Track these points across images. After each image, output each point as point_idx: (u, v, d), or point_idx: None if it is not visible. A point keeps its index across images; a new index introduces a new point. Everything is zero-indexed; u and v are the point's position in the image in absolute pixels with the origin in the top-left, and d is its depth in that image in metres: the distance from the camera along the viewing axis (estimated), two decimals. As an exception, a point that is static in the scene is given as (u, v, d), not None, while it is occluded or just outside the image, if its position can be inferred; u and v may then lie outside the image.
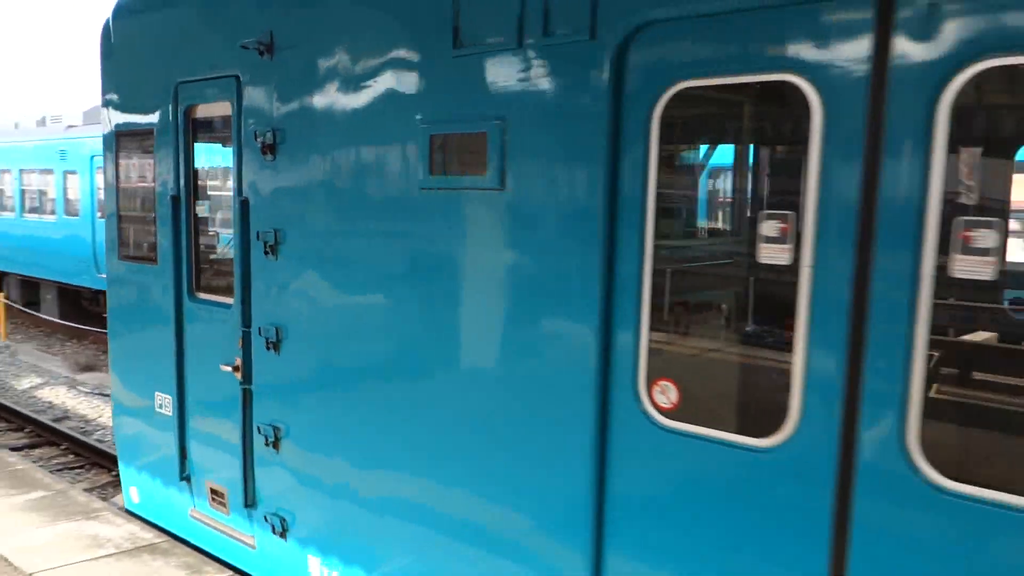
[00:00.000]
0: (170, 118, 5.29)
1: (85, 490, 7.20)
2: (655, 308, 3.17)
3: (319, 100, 4.30)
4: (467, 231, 3.73)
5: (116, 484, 7.68)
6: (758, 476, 2.88)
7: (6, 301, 16.83)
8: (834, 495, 2.67)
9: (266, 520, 4.86)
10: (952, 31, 2.42)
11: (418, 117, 3.82)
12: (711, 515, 3.01)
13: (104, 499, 7.06)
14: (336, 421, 4.43)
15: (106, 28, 5.84)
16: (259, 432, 4.81)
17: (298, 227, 4.50)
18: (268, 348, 4.71)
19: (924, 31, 2.46)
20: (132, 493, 6.10)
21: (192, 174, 5.30)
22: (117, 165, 5.92)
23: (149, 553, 5.33)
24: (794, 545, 2.79)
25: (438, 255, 3.83)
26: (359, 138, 4.15)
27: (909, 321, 2.53)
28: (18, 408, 10.68)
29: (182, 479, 5.48)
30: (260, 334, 4.74)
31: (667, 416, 3.13)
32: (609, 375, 3.27)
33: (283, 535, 4.79)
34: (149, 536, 5.58)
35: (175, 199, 5.32)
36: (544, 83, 3.41)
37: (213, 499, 5.29)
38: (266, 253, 4.66)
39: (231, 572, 5.15)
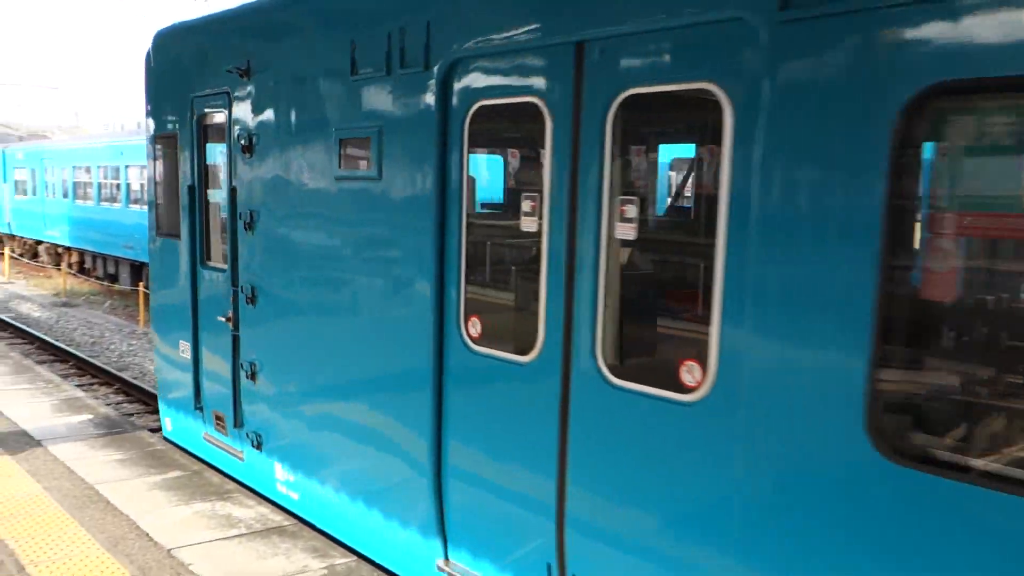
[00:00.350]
0: (188, 124, 6.75)
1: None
2: (468, 268, 4.53)
3: (277, 111, 5.72)
4: (362, 210, 5.08)
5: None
6: (522, 381, 4.24)
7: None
8: (561, 389, 4.03)
9: (247, 437, 6.31)
10: (614, 70, 3.73)
11: (333, 127, 5.20)
12: (499, 408, 4.41)
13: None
14: (288, 357, 5.87)
15: (148, 55, 7.35)
16: (242, 368, 6.24)
17: (265, 208, 5.89)
18: (247, 302, 6.13)
19: (598, 70, 3.82)
20: (167, 423, 7.63)
21: (204, 169, 6.72)
22: (154, 163, 7.53)
23: (278, 535, 5.45)
24: (544, 427, 4.12)
25: (346, 228, 5.24)
26: (301, 141, 5.51)
27: (595, 272, 3.83)
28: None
29: (196, 408, 6.99)
30: (242, 291, 6.17)
31: (475, 343, 4.47)
32: (443, 314, 4.62)
33: (259, 448, 6.20)
34: (278, 519, 5.71)
35: (191, 188, 6.75)
36: (402, 101, 4.72)
37: (217, 423, 6.77)
38: (246, 229, 6.06)
39: (355, 557, 5.20)
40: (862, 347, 2.93)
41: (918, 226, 3.11)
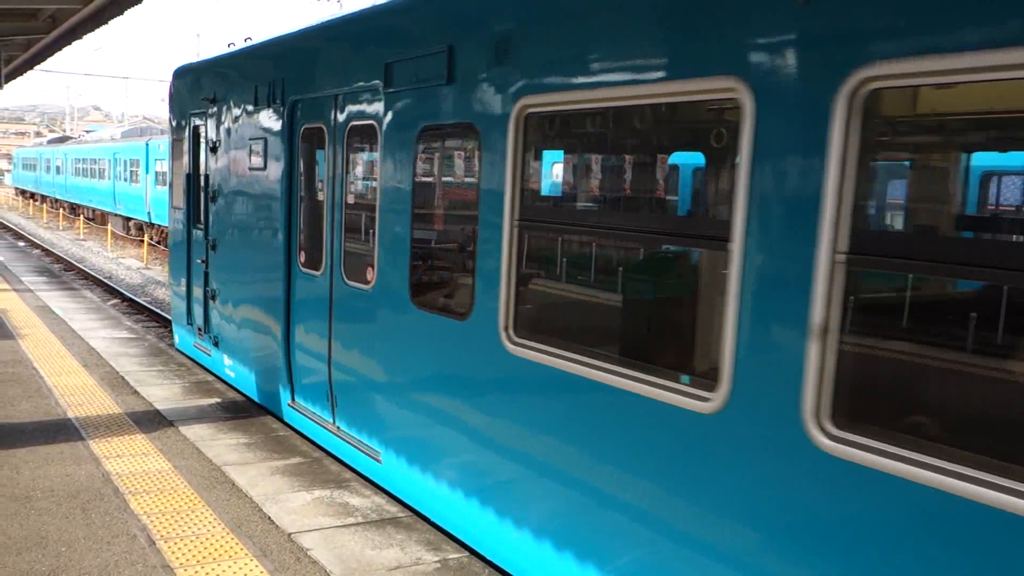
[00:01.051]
0: (186, 132, 10.05)
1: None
2: (300, 228, 7.33)
3: (226, 126, 8.81)
4: (259, 188, 7.98)
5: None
6: (317, 287, 6.96)
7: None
8: (329, 292, 6.73)
9: (211, 339, 9.42)
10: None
11: (248, 136, 8.12)
12: (312, 303, 7.08)
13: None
14: (229, 283, 8.96)
15: (171, 84, 10.64)
16: (209, 293, 9.33)
17: (221, 188, 8.97)
18: (211, 249, 9.22)
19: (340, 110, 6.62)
20: (176, 339, 10.94)
21: (197, 161, 9.79)
22: (172, 158, 10.96)
23: (393, 526, 5.50)
24: (320, 311, 6.87)
25: (254, 200, 8.16)
26: (237, 145, 8.48)
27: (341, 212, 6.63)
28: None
29: (188, 324, 10.23)
30: (209, 242, 9.24)
31: (302, 266, 7.24)
32: (291, 250, 7.44)
33: (217, 346, 9.32)
34: (394, 510, 5.77)
35: (188, 176, 9.94)
36: (275, 122, 7.60)
37: (198, 332, 9.86)
38: (211, 201, 9.22)
39: (468, 552, 5.18)
40: None
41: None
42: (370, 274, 6.18)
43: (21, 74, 20.84)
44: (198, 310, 9.81)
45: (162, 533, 5.23)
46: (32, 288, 15.25)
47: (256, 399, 8.36)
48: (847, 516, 3.10)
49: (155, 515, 5.49)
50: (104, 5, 12.14)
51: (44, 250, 25.97)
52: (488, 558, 5.05)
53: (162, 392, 8.57)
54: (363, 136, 6.56)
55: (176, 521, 5.42)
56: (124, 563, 4.83)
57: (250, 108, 8.13)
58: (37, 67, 19.87)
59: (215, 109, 9.02)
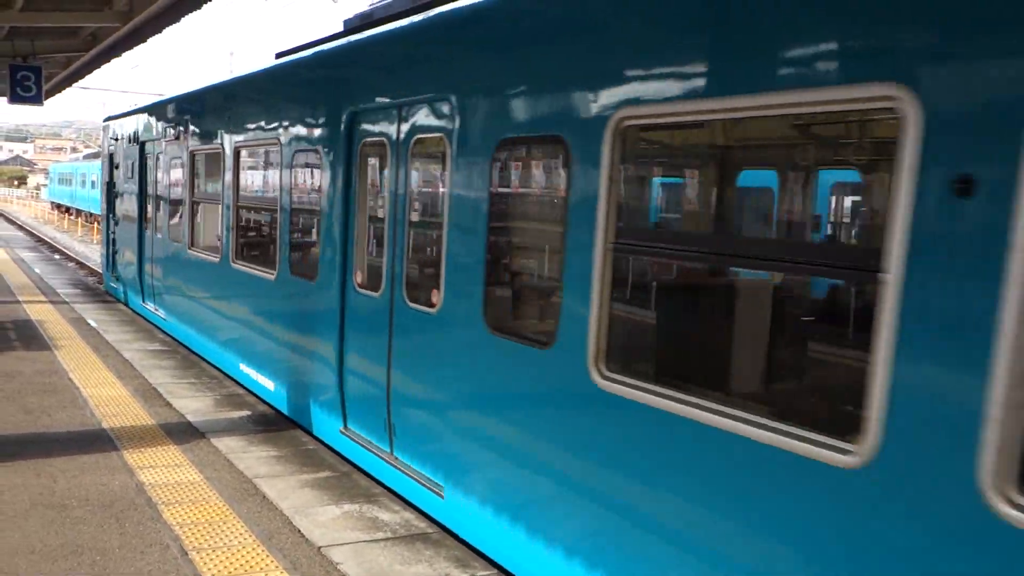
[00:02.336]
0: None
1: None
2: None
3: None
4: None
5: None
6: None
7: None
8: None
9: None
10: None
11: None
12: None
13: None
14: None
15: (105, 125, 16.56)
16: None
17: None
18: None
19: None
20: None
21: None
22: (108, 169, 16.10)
23: (422, 542, 5.51)
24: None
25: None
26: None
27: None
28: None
29: (110, 282, 15.76)
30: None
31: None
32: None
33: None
34: (422, 525, 5.78)
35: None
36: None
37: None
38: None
39: (496, 569, 5.18)
40: None
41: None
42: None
43: (60, 91, 21.30)
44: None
45: (194, 544, 5.28)
46: (68, 300, 15.51)
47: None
48: None
49: (187, 526, 5.55)
50: (142, 23, 12.41)
51: (79, 263, 26.40)
52: None
53: (194, 404, 8.66)
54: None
55: (208, 532, 5.47)
56: (157, 573, 4.88)
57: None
58: (76, 84, 20.31)
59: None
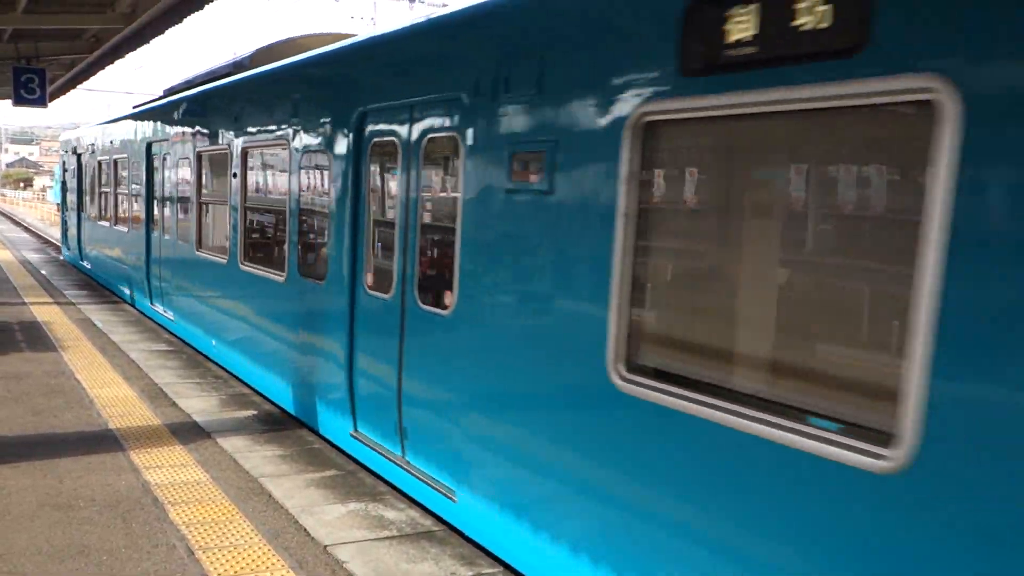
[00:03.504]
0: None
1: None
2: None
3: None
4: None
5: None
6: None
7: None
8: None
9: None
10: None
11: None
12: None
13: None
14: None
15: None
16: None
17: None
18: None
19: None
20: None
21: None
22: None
23: (427, 540, 5.51)
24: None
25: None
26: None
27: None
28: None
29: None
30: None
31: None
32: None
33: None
34: (428, 523, 5.79)
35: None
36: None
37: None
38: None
39: (502, 567, 5.18)
40: None
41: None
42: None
43: (64, 93, 21.37)
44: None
45: (200, 543, 5.29)
46: (74, 301, 15.56)
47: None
48: None
49: (194, 525, 5.56)
50: (145, 25, 12.43)
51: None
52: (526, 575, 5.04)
53: (200, 404, 8.68)
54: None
55: (214, 531, 5.49)
56: (164, 572, 4.89)
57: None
58: (80, 86, 20.36)
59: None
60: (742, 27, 3.47)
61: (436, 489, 5.85)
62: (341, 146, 7.08)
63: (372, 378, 6.73)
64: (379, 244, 6.78)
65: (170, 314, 12.71)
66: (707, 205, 4.19)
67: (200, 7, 11.15)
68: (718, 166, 4.19)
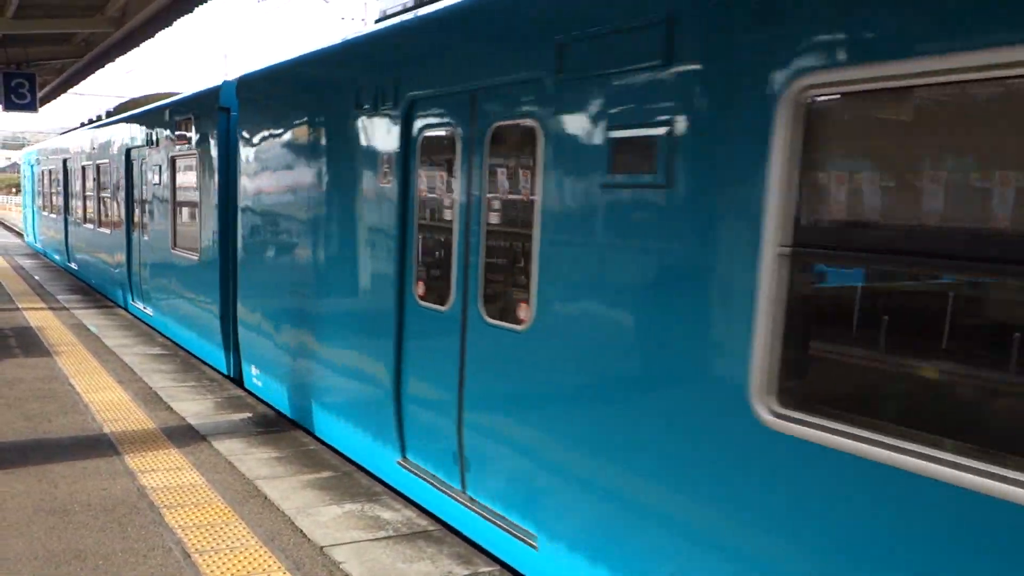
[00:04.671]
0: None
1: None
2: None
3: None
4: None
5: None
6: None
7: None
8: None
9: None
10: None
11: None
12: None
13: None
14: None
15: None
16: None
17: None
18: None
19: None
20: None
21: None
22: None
23: (424, 540, 5.52)
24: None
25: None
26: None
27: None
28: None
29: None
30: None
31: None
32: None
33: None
34: (424, 523, 5.79)
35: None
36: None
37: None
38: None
39: (499, 566, 5.19)
40: None
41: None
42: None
43: (55, 97, 21.32)
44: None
45: (196, 546, 5.29)
46: (67, 306, 15.52)
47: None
48: None
49: (189, 528, 5.56)
50: (135, 28, 12.41)
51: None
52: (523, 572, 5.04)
53: (195, 407, 8.68)
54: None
55: (210, 534, 5.49)
56: (160, 576, 4.90)
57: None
58: (70, 90, 20.31)
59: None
60: None
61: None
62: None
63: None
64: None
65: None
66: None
67: (189, 10, 11.13)
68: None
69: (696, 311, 3.71)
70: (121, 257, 15.12)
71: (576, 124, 4.41)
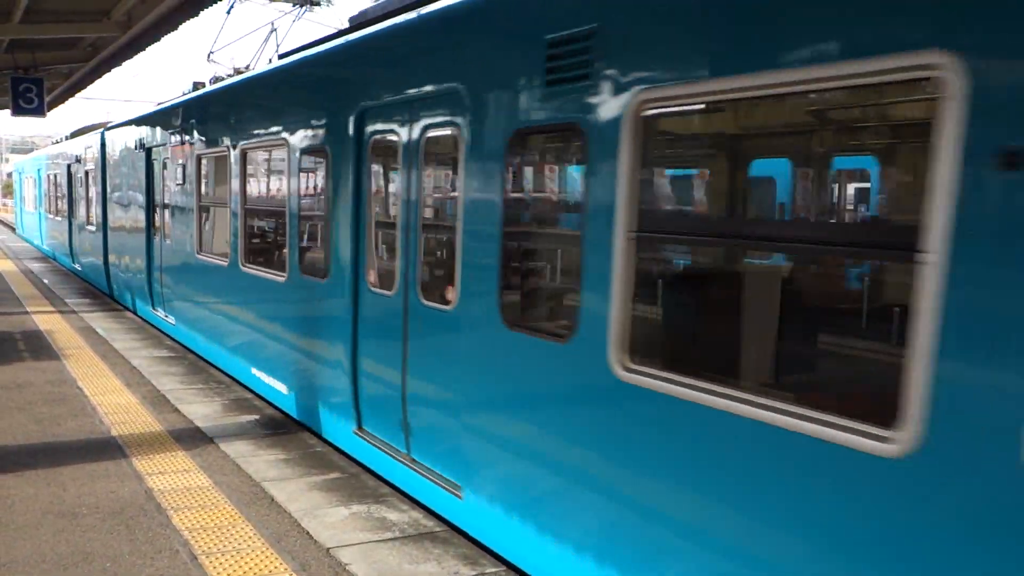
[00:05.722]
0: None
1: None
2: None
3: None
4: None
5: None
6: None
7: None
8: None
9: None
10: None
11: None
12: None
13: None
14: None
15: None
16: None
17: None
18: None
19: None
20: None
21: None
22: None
23: (430, 541, 5.53)
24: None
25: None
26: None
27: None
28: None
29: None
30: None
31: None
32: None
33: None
34: (430, 524, 5.80)
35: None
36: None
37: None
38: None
39: (505, 566, 5.19)
40: None
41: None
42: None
43: (62, 102, 21.41)
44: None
45: (204, 548, 5.31)
46: (76, 310, 15.59)
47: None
48: None
49: (197, 530, 5.58)
50: (141, 33, 12.45)
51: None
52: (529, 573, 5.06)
53: (202, 409, 8.70)
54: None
55: (217, 536, 5.50)
56: (167, 578, 4.91)
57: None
58: (78, 95, 20.40)
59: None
60: None
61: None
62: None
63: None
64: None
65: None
66: None
67: (194, 14, 11.17)
68: None
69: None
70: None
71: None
